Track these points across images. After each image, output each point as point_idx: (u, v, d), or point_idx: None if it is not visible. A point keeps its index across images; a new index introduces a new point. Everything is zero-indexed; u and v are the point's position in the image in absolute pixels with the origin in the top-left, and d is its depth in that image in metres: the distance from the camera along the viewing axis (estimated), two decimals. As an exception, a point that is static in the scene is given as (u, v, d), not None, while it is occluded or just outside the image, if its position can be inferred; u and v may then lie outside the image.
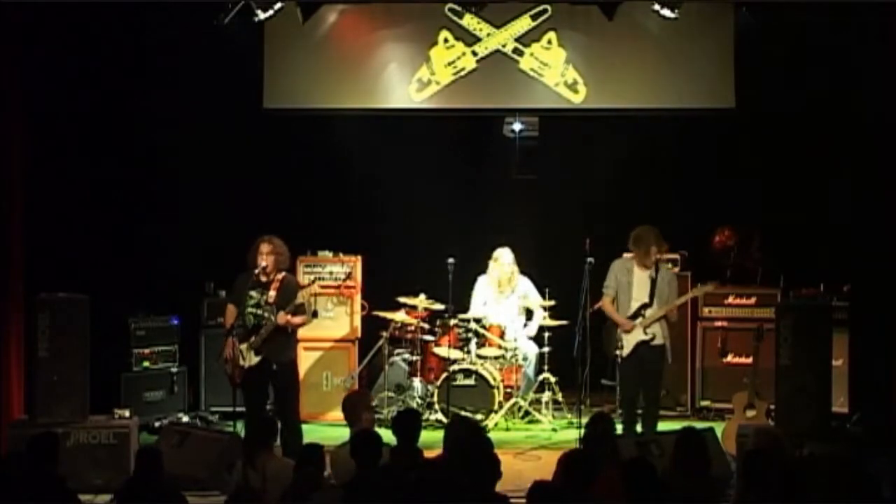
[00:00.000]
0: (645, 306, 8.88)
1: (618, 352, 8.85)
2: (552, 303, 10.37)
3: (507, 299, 10.50)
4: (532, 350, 10.45)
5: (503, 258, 10.42)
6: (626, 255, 9.17)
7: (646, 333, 8.85)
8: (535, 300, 10.44)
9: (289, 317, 8.49)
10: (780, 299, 10.25)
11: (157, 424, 9.75)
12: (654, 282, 8.89)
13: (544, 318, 10.37)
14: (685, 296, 9.12)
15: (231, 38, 10.05)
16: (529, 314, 10.61)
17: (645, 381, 8.96)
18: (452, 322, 10.13)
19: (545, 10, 10.58)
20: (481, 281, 10.58)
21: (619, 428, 8.96)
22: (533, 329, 10.49)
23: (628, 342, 8.86)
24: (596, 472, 5.94)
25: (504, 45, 10.63)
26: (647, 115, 10.79)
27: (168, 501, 6.17)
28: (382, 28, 10.71)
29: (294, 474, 6.24)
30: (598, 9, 10.46)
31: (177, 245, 10.56)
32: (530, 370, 10.45)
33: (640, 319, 8.86)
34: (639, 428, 9.01)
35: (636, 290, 8.91)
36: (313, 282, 9.25)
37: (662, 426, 9.72)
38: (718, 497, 6.28)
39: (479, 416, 9.75)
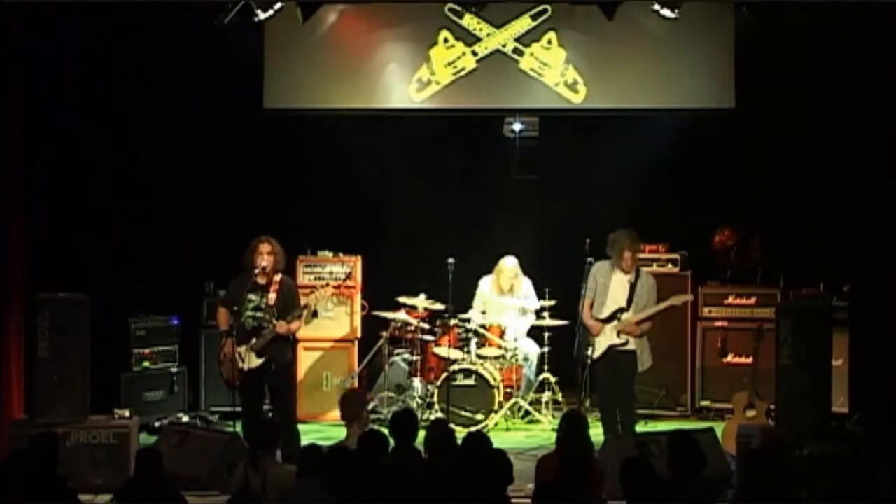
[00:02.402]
0: (621, 310, 8.82)
1: (587, 352, 8.82)
2: (552, 303, 10.37)
3: (508, 299, 10.49)
4: (533, 350, 10.45)
5: (507, 268, 10.38)
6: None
7: (619, 337, 8.81)
8: (531, 304, 10.42)
9: (289, 326, 8.50)
10: (780, 299, 10.26)
11: (157, 424, 9.75)
12: (632, 286, 8.83)
13: (542, 318, 10.35)
14: (653, 308, 8.90)
15: (231, 38, 10.05)
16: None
17: (618, 386, 8.87)
18: (452, 322, 10.12)
19: (545, 10, 10.58)
20: (484, 283, 10.56)
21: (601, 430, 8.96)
22: (524, 328, 10.46)
23: (600, 344, 8.84)
24: (589, 471, 5.98)
25: (504, 45, 10.63)
26: (647, 115, 10.79)
27: (168, 502, 6.17)
28: (382, 28, 10.72)
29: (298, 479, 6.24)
30: (598, 9, 10.46)
31: (177, 245, 10.56)
32: (531, 370, 10.44)
33: (614, 323, 8.82)
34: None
35: (613, 293, 8.86)
36: (325, 284, 9.25)
37: (663, 426, 9.76)
38: (715, 497, 6.28)
39: (479, 416, 9.76)
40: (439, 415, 9.78)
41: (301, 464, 6.31)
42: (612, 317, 8.84)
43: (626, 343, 8.81)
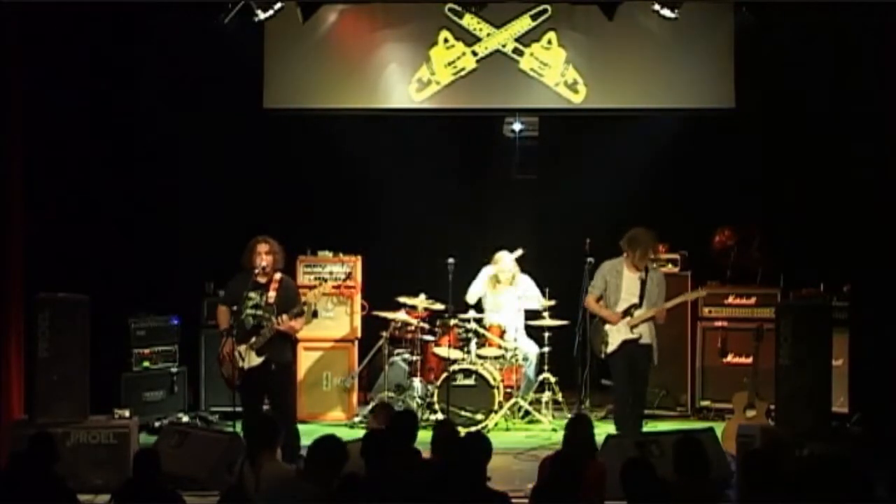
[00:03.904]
0: (634, 307, 8.87)
1: (603, 347, 8.87)
2: (552, 303, 10.37)
3: (506, 293, 10.49)
4: (533, 350, 10.45)
5: (503, 262, 10.40)
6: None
7: (632, 332, 8.86)
8: (535, 297, 10.42)
9: (292, 322, 8.47)
10: (780, 299, 10.25)
11: (157, 424, 9.74)
12: (643, 283, 8.88)
13: (543, 310, 10.36)
14: (676, 299, 9.08)
15: (231, 38, 10.06)
16: (529, 311, 10.62)
17: (633, 380, 8.97)
18: (452, 322, 10.12)
19: (545, 10, 10.59)
20: (485, 271, 10.56)
21: (614, 427, 9.03)
22: (533, 304, 10.43)
23: (613, 339, 8.88)
24: (581, 473, 5.99)
25: (504, 45, 10.64)
26: (647, 115, 10.80)
27: (166, 502, 6.16)
28: (382, 28, 10.73)
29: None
30: (598, 9, 10.47)
31: (177, 245, 10.56)
32: (531, 370, 10.45)
33: (627, 318, 8.87)
34: None
35: (625, 291, 8.92)
36: (322, 282, 9.24)
37: (662, 426, 9.77)
38: (719, 498, 6.28)
39: (479, 416, 9.76)
40: (439, 415, 9.78)
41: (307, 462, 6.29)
42: (626, 313, 8.88)
43: (641, 337, 8.87)
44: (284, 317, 8.40)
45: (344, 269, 10.59)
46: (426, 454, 6.77)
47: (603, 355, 8.97)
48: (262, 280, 8.51)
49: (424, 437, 6.89)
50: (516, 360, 10.25)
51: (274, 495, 6.11)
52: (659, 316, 8.93)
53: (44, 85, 9.41)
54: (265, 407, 8.82)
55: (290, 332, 8.52)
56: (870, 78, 9.35)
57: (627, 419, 8.97)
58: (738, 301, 10.69)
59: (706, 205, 11.11)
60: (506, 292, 10.48)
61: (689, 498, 5.85)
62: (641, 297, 8.88)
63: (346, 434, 9.44)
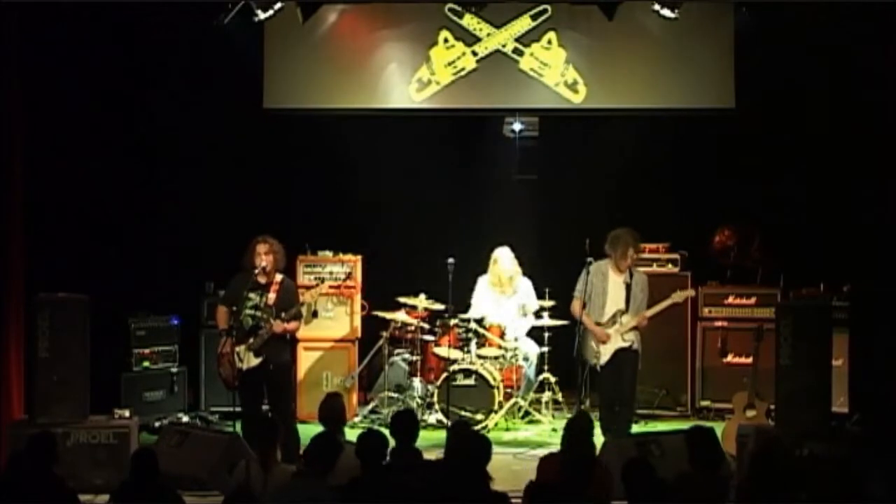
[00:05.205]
0: (621, 312, 8.85)
1: (594, 360, 8.84)
2: (552, 303, 10.36)
3: (508, 299, 10.49)
4: (533, 350, 10.45)
5: (502, 259, 10.40)
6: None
7: (624, 339, 8.84)
8: (531, 305, 10.42)
9: (285, 325, 8.46)
10: (780, 299, 10.25)
11: (157, 424, 9.75)
12: (629, 287, 8.86)
13: (541, 318, 10.35)
14: (655, 307, 8.99)
15: (231, 38, 10.06)
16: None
17: (621, 385, 8.89)
18: (452, 322, 10.12)
19: (545, 10, 10.59)
20: (482, 282, 10.56)
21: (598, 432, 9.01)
22: (524, 329, 10.46)
23: (607, 349, 8.85)
24: (591, 472, 5.99)
25: (504, 45, 10.64)
26: (647, 115, 10.80)
27: (164, 502, 6.16)
28: (382, 28, 10.72)
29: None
30: (598, 9, 10.46)
31: (177, 245, 10.56)
32: (531, 370, 10.44)
33: (617, 325, 8.84)
34: None
35: (612, 294, 8.89)
36: (321, 282, 9.23)
37: (662, 426, 9.76)
38: (728, 494, 6.30)
39: (479, 416, 9.76)
40: (439, 415, 9.79)
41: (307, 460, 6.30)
42: (613, 319, 8.85)
43: (632, 344, 8.83)
44: (277, 322, 8.39)
45: (344, 269, 10.59)
46: (426, 454, 6.78)
47: (599, 367, 8.89)
48: (263, 280, 8.52)
49: (425, 436, 6.90)
50: (516, 360, 10.25)
51: (281, 495, 6.12)
52: (640, 324, 8.88)
53: (44, 85, 9.41)
54: (265, 407, 8.84)
55: (285, 333, 8.51)
56: (869, 78, 9.35)
57: (613, 424, 8.93)
58: (738, 301, 10.69)
59: (706, 205, 11.11)
60: (507, 301, 10.46)
61: (702, 489, 5.86)
62: (627, 301, 8.86)
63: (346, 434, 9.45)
